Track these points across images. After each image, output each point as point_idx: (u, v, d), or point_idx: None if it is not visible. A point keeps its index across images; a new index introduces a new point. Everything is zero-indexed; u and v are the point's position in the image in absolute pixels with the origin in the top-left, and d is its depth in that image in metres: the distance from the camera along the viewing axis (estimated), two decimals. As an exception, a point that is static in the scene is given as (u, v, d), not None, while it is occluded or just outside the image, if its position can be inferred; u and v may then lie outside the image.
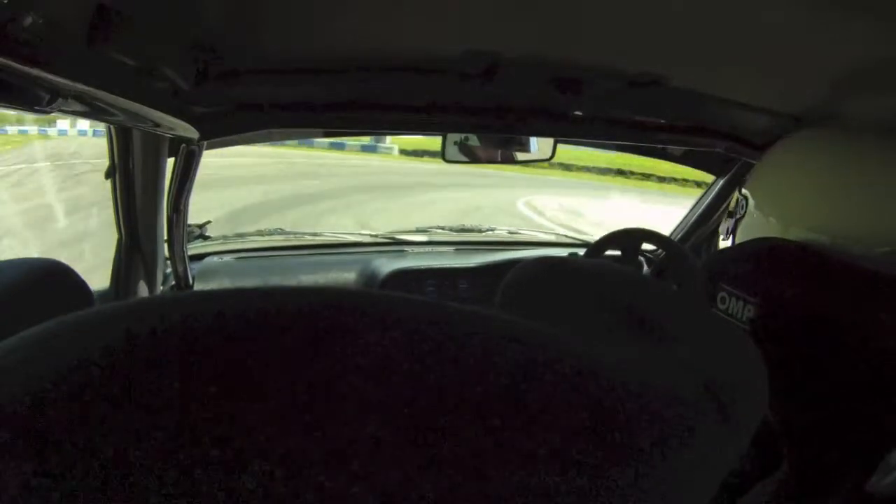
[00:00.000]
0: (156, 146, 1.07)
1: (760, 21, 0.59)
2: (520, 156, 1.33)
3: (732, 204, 0.61)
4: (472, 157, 1.33)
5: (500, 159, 1.35)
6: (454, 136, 1.27)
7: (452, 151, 1.29)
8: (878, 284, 0.44)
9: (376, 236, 1.67)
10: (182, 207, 1.18)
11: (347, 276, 1.44)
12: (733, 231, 0.60)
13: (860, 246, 0.47)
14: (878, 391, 0.44)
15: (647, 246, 1.55)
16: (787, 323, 0.47)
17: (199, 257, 1.43)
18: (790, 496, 0.49)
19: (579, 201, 9.88)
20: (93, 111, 0.69)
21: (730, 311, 0.50)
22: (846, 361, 0.45)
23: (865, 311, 0.44)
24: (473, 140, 1.30)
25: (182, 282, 1.28)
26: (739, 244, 0.56)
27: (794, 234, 0.51)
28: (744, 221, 0.58)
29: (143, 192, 1.10)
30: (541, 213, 8.69)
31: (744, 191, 0.58)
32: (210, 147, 1.16)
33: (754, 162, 1.26)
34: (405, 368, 0.19)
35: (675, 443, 0.23)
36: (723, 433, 0.25)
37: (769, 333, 0.47)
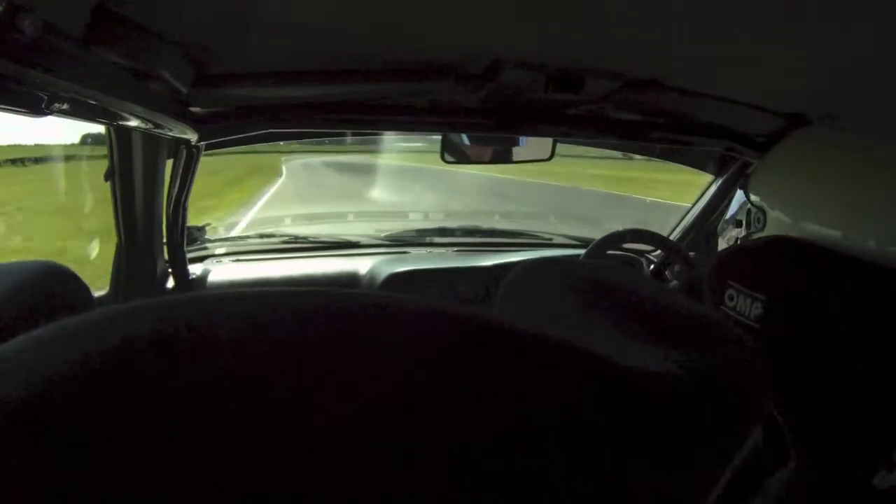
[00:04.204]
0: (155, 148, 1.07)
1: (760, 21, 0.59)
2: (518, 156, 1.33)
3: (743, 215, 0.59)
4: (470, 158, 1.33)
5: (497, 159, 1.35)
6: (453, 137, 1.27)
7: (450, 152, 1.29)
8: (886, 281, 0.44)
9: (376, 238, 1.67)
10: (181, 209, 1.18)
11: (347, 278, 1.44)
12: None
13: (871, 243, 0.47)
14: (886, 387, 0.44)
15: (646, 246, 1.56)
16: (796, 320, 0.47)
17: (198, 259, 1.43)
18: (799, 492, 0.49)
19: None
20: (91, 113, 0.69)
21: (738, 309, 0.50)
22: (855, 358, 0.45)
23: (874, 308, 0.44)
24: (472, 140, 1.30)
25: (181, 284, 1.28)
26: (748, 241, 0.56)
27: (804, 231, 0.51)
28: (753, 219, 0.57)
29: (142, 195, 1.10)
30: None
31: (758, 201, 0.57)
32: (209, 148, 1.16)
33: (754, 162, 1.27)
34: (407, 369, 0.19)
35: (675, 440, 0.23)
36: (723, 430, 0.25)
37: (778, 331, 0.47)
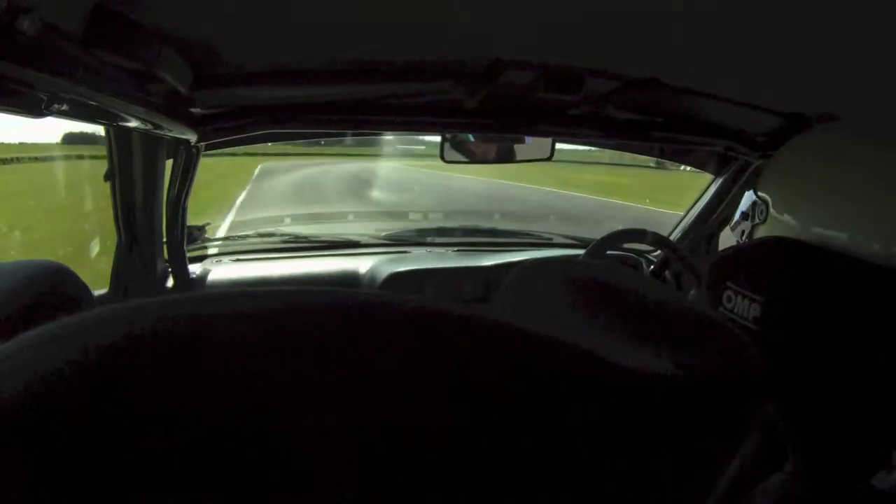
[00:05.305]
0: (154, 148, 1.07)
1: (760, 21, 0.59)
2: (518, 155, 1.33)
3: (748, 206, 0.60)
4: (471, 158, 1.34)
5: (497, 159, 1.35)
6: (452, 136, 1.27)
7: (450, 152, 1.29)
8: (886, 282, 0.44)
9: (376, 237, 1.67)
10: (181, 209, 1.18)
11: (347, 278, 1.44)
12: (749, 236, 0.59)
13: (875, 245, 0.47)
14: (885, 388, 0.44)
15: (646, 246, 1.56)
16: (795, 321, 0.47)
17: (198, 259, 1.43)
18: (798, 493, 0.49)
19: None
20: (92, 114, 0.69)
21: (736, 310, 0.49)
22: (853, 359, 0.45)
23: (873, 309, 0.44)
24: (471, 140, 1.31)
25: (182, 283, 1.28)
26: (747, 243, 0.56)
27: (809, 232, 0.50)
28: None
29: (142, 194, 1.10)
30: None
31: (762, 194, 0.57)
32: (209, 149, 1.16)
33: (753, 162, 1.28)
34: (407, 368, 0.19)
35: (672, 440, 0.23)
36: (720, 430, 0.25)
37: (776, 332, 0.47)
